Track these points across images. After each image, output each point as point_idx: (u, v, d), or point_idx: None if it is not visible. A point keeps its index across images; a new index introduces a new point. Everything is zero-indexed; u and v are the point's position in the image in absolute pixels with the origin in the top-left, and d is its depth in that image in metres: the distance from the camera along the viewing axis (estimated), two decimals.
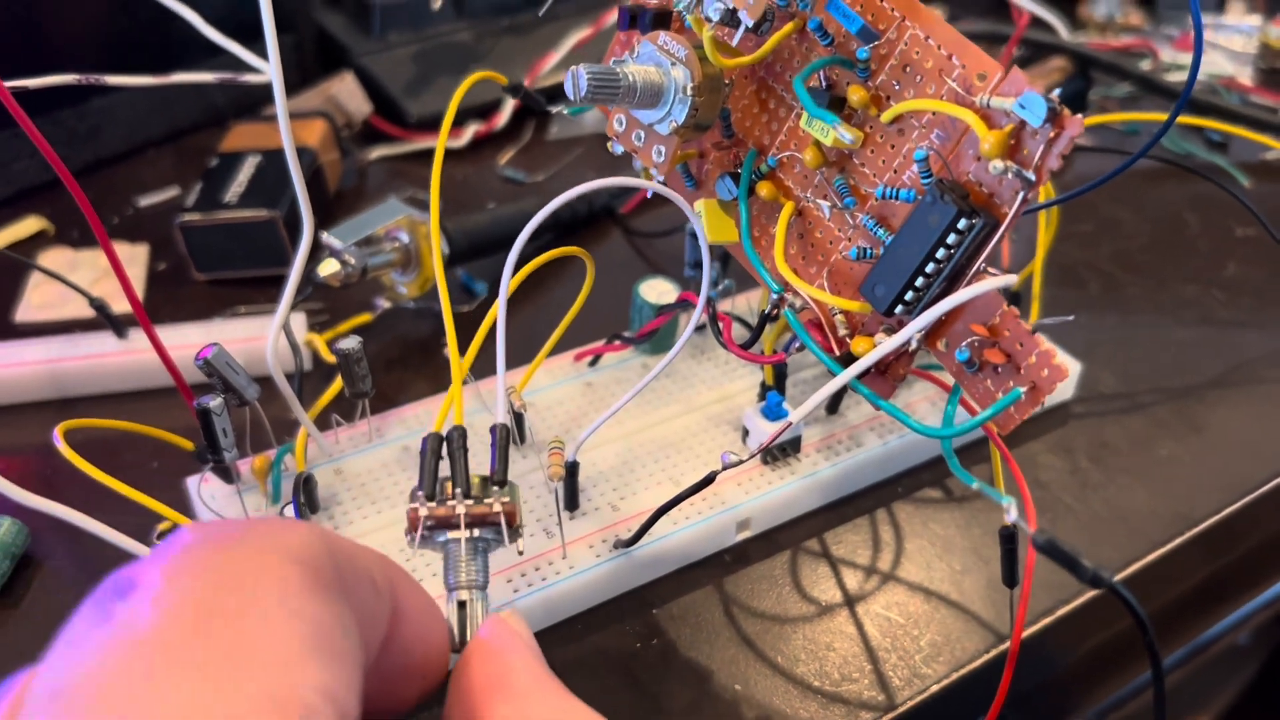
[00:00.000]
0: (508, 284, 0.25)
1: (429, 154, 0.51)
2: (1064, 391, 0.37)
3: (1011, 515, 0.22)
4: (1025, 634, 0.30)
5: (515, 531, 0.24)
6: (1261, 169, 0.51)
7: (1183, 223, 0.48)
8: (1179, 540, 0.33)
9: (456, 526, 0.23)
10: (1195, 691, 0.50)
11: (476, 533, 0.23)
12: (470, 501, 0.23)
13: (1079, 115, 0.21)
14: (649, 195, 0.32)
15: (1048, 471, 0.35)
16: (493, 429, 0.24)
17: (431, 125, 0.52)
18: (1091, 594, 0.31)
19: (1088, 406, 0.37)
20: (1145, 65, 0.58)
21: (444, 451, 0.24)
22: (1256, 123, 0.51)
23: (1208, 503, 0.34)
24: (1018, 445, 0.36)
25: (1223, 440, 0.36)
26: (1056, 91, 0.21)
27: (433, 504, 0.23)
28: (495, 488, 0.23)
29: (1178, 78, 0.56)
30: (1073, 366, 0.37)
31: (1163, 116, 0.39)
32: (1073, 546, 0.21)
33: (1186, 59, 0.58)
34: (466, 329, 0.41)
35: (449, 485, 0.23)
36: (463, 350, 0.28)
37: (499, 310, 0.25)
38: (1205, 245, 0.46)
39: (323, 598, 0.17)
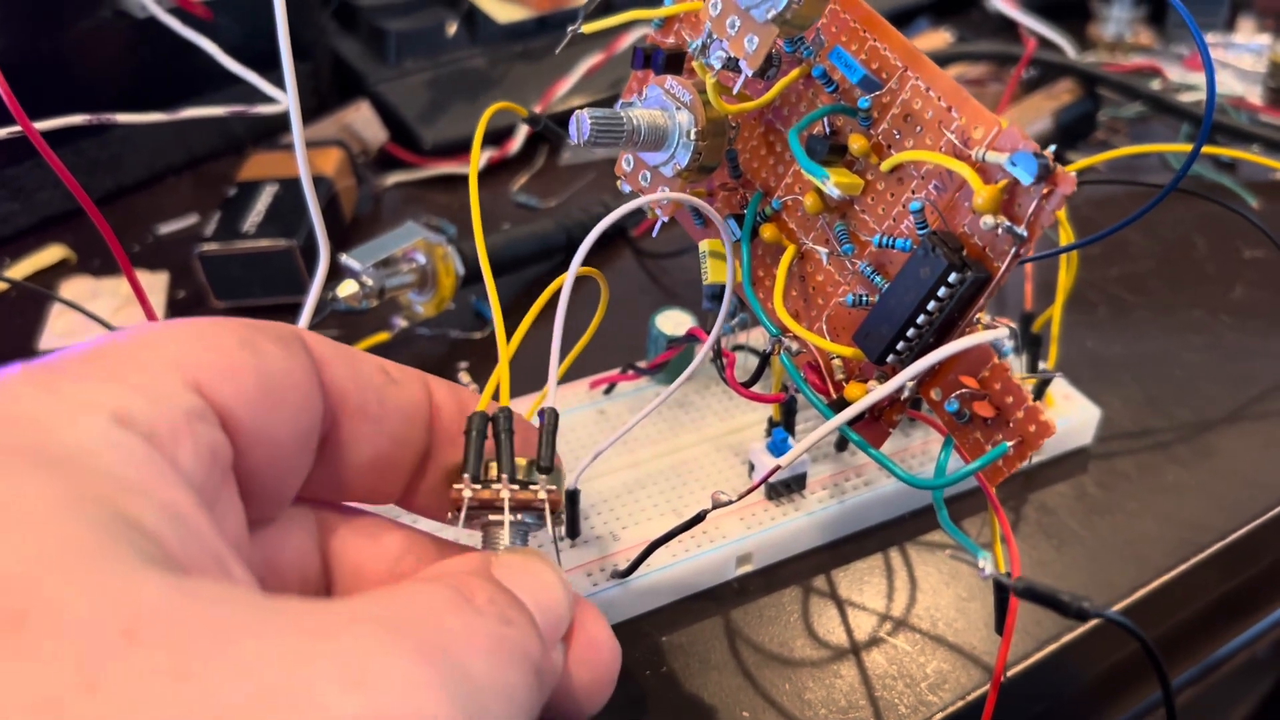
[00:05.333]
0: (575, 269, 0.24)
1: (444, 180, 0.52)
2: (1083, 436, 0.37)
3: (987, 571, 0.23)
4: (1031, 660, 0.30)
5: (558, 518, 0.23)
6: (1270, 189, 0.51)
7: (1190, 244, 0.48)
8: (1186, 565, 0.33)
9: (500, 510, 0.23)
10: (1213, 705, 0.50)
11: (519, 516, 0.23)
12: (515, 486, 0.23)
13: (1072, 173, 0.21)
14: (659, 225, 0.32)
15: (1055, 497, 0.35)
16: (541, 413, 0.24)
17: (446, 151, 0.52)
18: (1099, 619, 0.31)
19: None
20: (1154, 85, 0.58)
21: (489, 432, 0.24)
22: (1266, 142, 0.51)
23: (1215, 527, 0.34)
24: (1024, 472, 0.36)
25: (1231, 465, 0.36)
26: (1051, 148, 0.22)
27: (477, 485, 0.22)
28: (541, 474, 0.23)
29: (1187, 97, 0.56)
30: (1092, 413, 0.37)
31: (1173, 147, 0.39)
32: (1049, 587, 0.21)
33: (1196, 78, 0.59)
34: (481, 353, 0.41)
35: (493, 467, 0.23)
36: (489, 368, 0.28)
37: (567, 282, 0.24)
38: (1213, 268, 0.46)
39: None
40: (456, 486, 0.22)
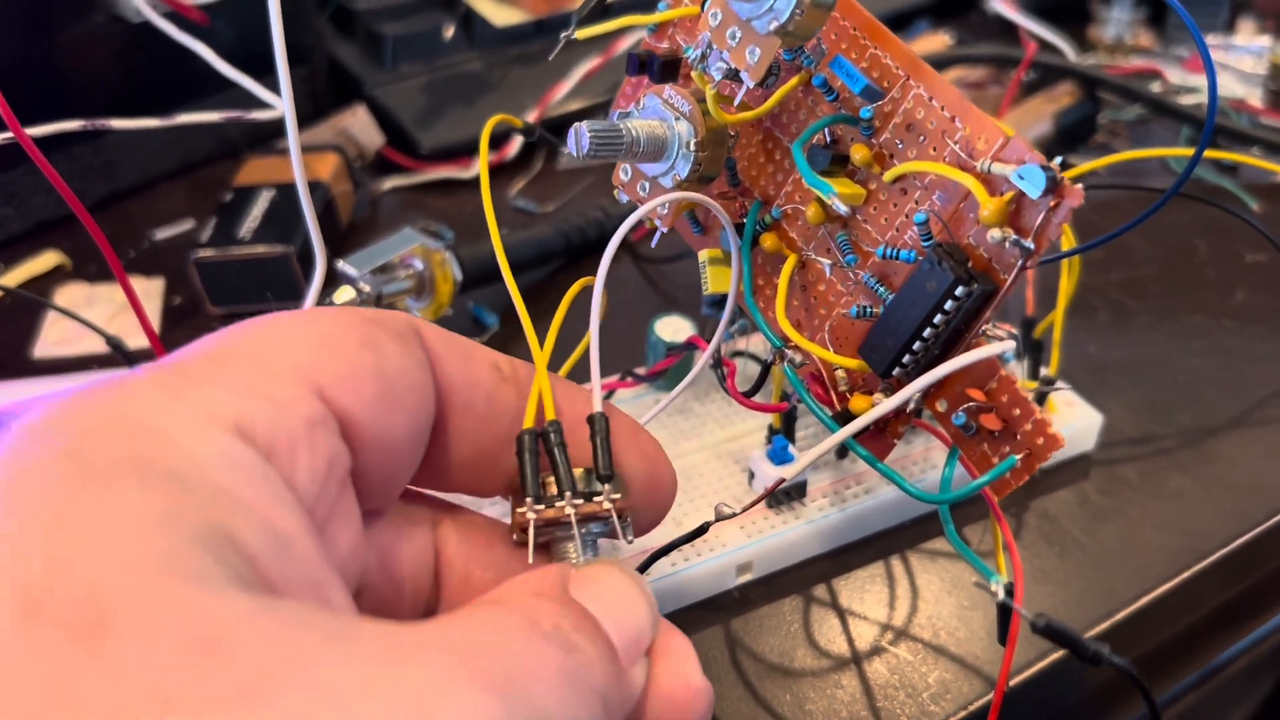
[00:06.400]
0: (605, 268, 0.24)
1: (441, 184, 0.52)
2: (1085, 442, 0.37)
3: (1000, 595, 0.22)
4: (1033, 670, 0.30)
5: (625, 524, 0.23)
6: (1271, 192, 0.51)
7: (1192, 249, 0.48)
8: (1188, 573, 0.33)
9: (568, 527, 0.22)
10: (1215, 708, 0.50)
11: (586, 530, 0.22)
12: (580, 501, 0.22)
13: (1079, 186, 0.21)
14: (658, 236, 0.32)
15: (1057, 504, 0.35)
16: (590, 419, 0.23)
17: (443, 156, 0.52)
18: (1108, 623, 0.31)
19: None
20: (1154, 87, 0.58)
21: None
22: (1267, 145, 0.51)
23: (1218, 534, 0.34)
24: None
25: (1233, 471, 0.36)
26: (1057, 160, 0.21)
27: (540, 506, 0.22)
28: (601, 483, 0.22)
29: (1188, 100, 0.56)
30: (1094, 418, 0.36)
31: (1174, 151, 0.39)
32: (1068, 628, 0.21)
33: (1196, 80, 0.58)
34: None
35: (550, 483, 0.22)
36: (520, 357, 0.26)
37: (598, 285, 0.24)
38: (1214, 272, 0.46)
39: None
40: (520, 510, 0.22)
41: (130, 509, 0.14)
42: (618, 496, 0.22)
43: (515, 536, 0.22)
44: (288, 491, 0.17)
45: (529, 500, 0.22)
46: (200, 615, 0.13)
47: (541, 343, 0.24)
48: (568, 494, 0.22)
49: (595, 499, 0.22)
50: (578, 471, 0.22)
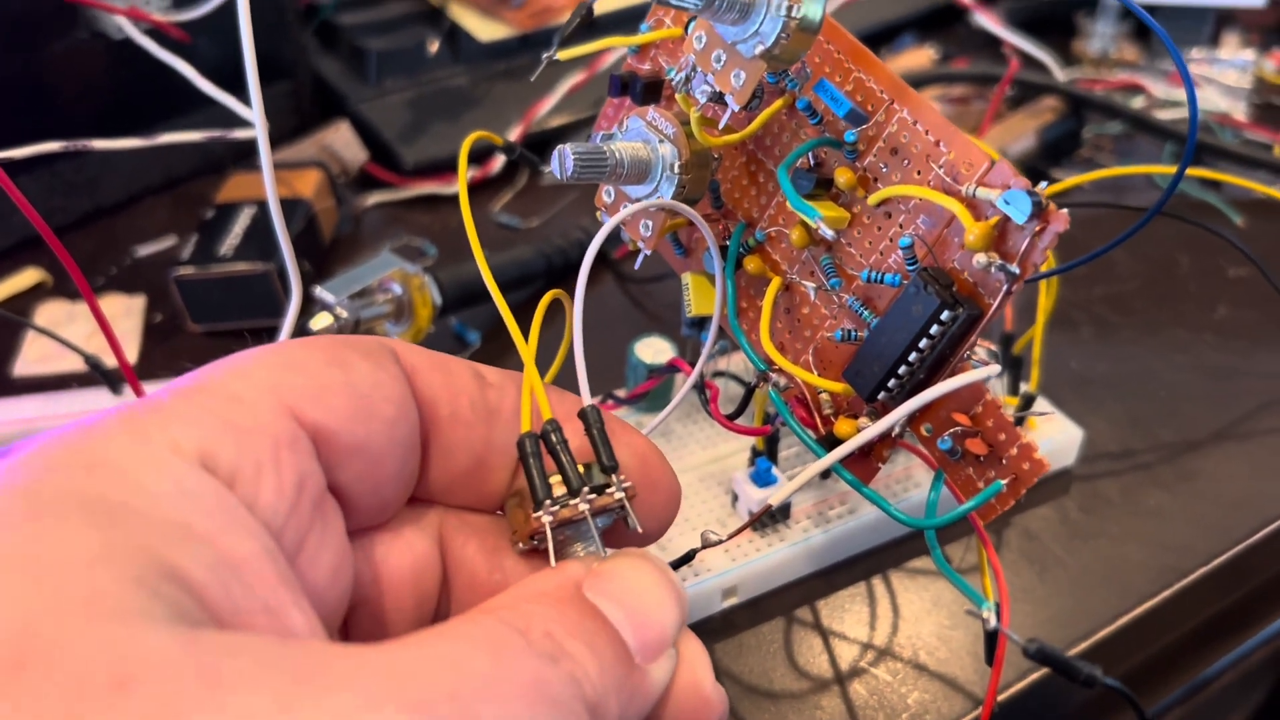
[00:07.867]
0: (587, 269, 0.24)
1: (425, 200, 0.52)
2: (1065, 458, 0.37)
3: (992, 623, 0.22)
4: (1014, 689, 0.30)
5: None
6: (1255, 206, 0.51)
7: (1174, 263, 0.48)
8: (1169, 591, 0.33)
9: (582, 523, 0.21)
10: (1207, 717, 0.50)
11: (600, 522, 0.22)
12: (593, 495, 0.21)
13: (1064, 210, 0.21)
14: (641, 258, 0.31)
15: (1038, 521, 0.35)
16: (582, 414, 0.22)
17: (427, 171, 0.52)
18: (1090, 642, 0.31)
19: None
20: (1139, 101, 0.58)
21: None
22: (1249, 160, 0.51)
23: (1199, 551, 0.34)
24: None
25: (1214, 487, 0.36)
26: (1042, 185, 0.21)
27: (555, 508, 0.21)
28: (612, 475, 0.22)
29: (1171, 114, 0.56)
30: (1075, 434, 0.36)
31: (1157, 169, 0.39)
32: (1061, 654, 0.21)
33: (1180, 95, 0.59)
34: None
35: (555, 483, 0.21)
36: (512, 362, 0.25)
37: (580, 285, 0.25)
38: (1196, 287, 0.46)
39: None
40: (536, 515, 0.21)
41: (68, 545, 0.14)
42: (629, 484, 0.22)
43: (520, 546, 0.22)
44: (249, 518, 0.17)
45: (546, 503, 0.21)
46: (120, 652, 0.13)
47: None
48: (584, 490, 0.21)
49: (607, 491, 0.21)
50: (581, 468, 0.22)
